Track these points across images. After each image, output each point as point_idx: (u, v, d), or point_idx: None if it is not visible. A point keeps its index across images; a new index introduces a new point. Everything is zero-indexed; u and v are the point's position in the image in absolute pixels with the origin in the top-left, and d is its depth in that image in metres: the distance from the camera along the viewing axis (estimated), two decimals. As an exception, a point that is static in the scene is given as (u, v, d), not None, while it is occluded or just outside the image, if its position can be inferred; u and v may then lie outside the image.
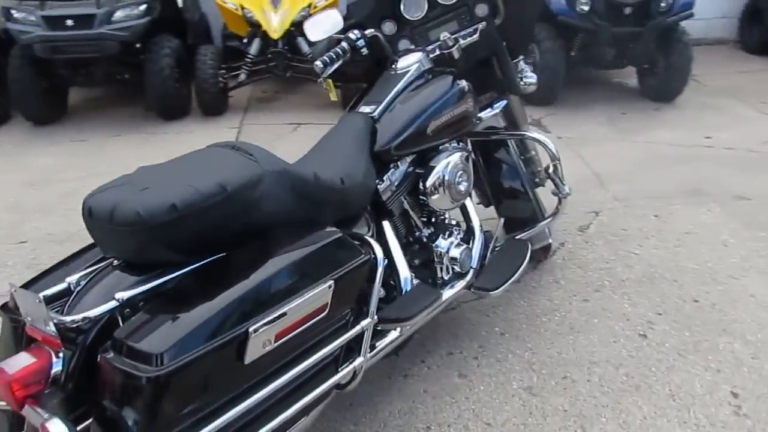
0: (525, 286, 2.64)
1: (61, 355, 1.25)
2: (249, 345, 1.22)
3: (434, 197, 2.00)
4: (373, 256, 1.55)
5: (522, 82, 2.48)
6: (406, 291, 1.84)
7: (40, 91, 4.68)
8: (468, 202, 2.21)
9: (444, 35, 2.16)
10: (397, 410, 2.02)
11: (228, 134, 4.69)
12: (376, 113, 1.99)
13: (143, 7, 4.58)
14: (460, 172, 2.05)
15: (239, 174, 1.41)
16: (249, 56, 4.96)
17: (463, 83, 2.08)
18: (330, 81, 2.21)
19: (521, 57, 2.48)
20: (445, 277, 2.10)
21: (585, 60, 5.12)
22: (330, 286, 1.38)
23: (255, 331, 1.23)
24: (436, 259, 2.08)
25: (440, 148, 2.08)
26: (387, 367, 2.19)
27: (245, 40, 5.05)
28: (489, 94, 2.42)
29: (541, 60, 4.83)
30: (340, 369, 1.51)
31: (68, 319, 1.24)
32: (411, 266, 2.03)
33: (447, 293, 2.06)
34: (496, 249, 2.27)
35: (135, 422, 1.12)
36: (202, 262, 1.36)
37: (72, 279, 1.39)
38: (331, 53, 2.08)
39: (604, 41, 4.85)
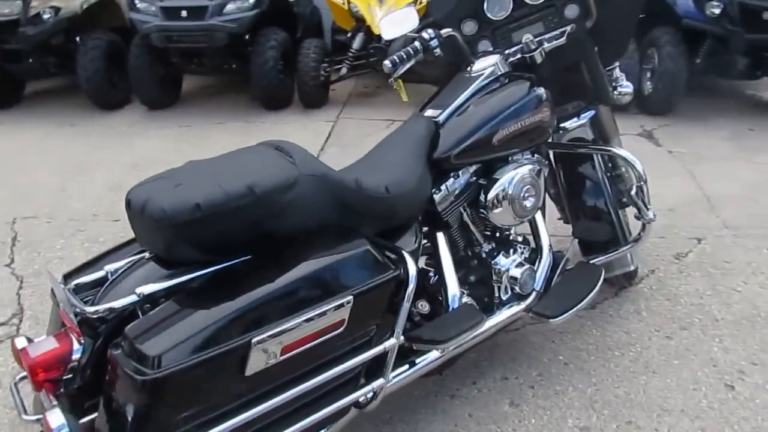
0: (601, 313, 2.41)
1: (81, 343, 1.28)
2: (251, 356, 1.18)
3: (495, 211, 1.86)
4: (402, 272, 1.45)
5: (616, 92, 2.27)
6: (452, 309, 1.72)
7: (156, 77, 4.98)
8: (539, 219, 2.05)
9: (526, 37, 2.01)
10: (434, 429, 1.91)
11: (323, 127, 4.75)
12: (440, 118, 1.89)
13: (252, 0, 4.73)
14: (528, 187, 1.89)
15: (272, 176, 1.38)
16: (352, 51, 4.98)
17: (541, 90, 1.92)
18: (401, 81, 2.13)
19: (616, 64, 2.26)
20: (504, 297, 1.96)
21: (712, 68, 4.63)
22: (348, 302, 1.31)
23: (258, 342, 1.18)
24: (494, 277, 1.95)
25: (511, 159, 1.94)
26: (435, 384, 2.08)
27: (349, 35, 5.07)
28: (576, 102, 2.23)
29: (659, 66, 4.45)
30: (358, 388, 1.43)
31: (89, 309, 1.26)
32: (466, 282, 1.93)
33: (502, 315, 1.93)
34: (567, 272, 2.08)
35: (132, 422, 1.11)
36: (225, 264, 1.33)
37: (110, 268, 1.42)
38: (401, 53, 1.99)
39: (737, 49, 4.36)
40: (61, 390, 1.27)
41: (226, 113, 5.12)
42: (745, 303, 2.46)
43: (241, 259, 1.35)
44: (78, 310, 1.25)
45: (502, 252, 1.97)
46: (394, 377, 1.64)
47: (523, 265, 1.96)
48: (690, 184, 3.58)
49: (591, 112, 2.23)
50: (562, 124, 2.23)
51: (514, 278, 1.94)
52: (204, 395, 1.17)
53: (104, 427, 1.15)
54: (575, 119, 2.24)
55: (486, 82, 1.94)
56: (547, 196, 2.34)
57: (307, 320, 1.25)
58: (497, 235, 1.99)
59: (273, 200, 1.35)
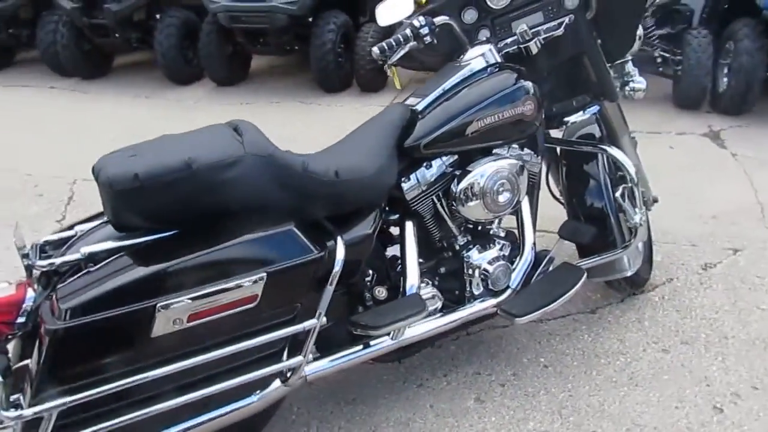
0: (599, 319, 2.31)
1: (34, 291, 1.40)
2: (156, 320, 1.25)
3: (466, 205, 1.83)
4: (327, 256, 1.47)
5: (627, 88, 2.15)
6: (400, 298, 1.73)
7: (224, 55, 5.21)
8: (525, 215, 1.99)
9: (521, 27, 1.94)
10: (393, 418, 1.92)
11: (374, 111, 4.75)
12: (418, 106, 1.88)
13: (313, -18, 4.82)
14: (502, 182, 1.84)
15: (213, 153, 1.44)
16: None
17: (526, 83, 1.86)
18: (394, 69, 2.12)
19: (628, 58, 2.14)
20: (475, 292, 1.94)
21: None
22: (261, 279, 1.35)
23: (163, 308, 1.26)
24: (466, 271, 1.92)
25: (494, 152, 1.90)
26: (407, 371, 2.10)
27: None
28: (581, 97, 2.13)
29: (734, 61, 4.11)
30: (278, 362, 1.48)
31: (38, 262, 1.38)
32: (436, 274, 1.92)
33: (470, 309, 1.90)
34: (548, 272, 2.02)
35: (43, 366, 1.23)
36: (158, 235, 1.41)
37: (80, 228, 1.55)
38: (391, 40, 1.99)
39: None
40: (14, 333, 1.41)
41: (285, 93, 5.28)
42: (765, 323, 2.27)
43: (173, 231, 1.42)
44: (27, 262, 1.38)
45: (477, 246, 1.93)
46: (339, 358, 1.68)
47: (498, 261, 1.92)
48: (745, 191, 3.30)
49: (595, 108, 2.12)
50: (565, 119, 2.15)
51: (486, 273, 1.90)
52: (111, 350, 1.27)
53: (30, 370, 1.28)
54: (580, 114, 2.14)
55: (472, 71, 1.90)
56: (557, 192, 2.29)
57: (215, 292, 1.31)
58: (475, 228, 1.96)
59: (210, 176, 1.41)
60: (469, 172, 1.83)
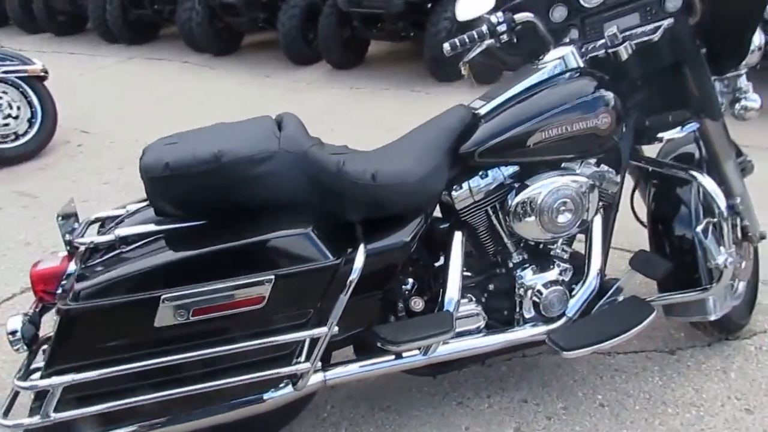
0: (677, 362, 2.06)
1: (73, 266, 1.49)
2: (159, 311, 1.28)
3: (519, 222, 1.69)
4: (340, 262, 1.42)
5: (737, 105, 1.87)
6: (431, 314, 1.63)
7: (341, 39, 5.28)
8: (596, 238, 1.81)
9: (610, 30, 1.73)
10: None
11: (483, 105, 4.61)
12: (482, 109, 1.75)
13: (433, -31, 4.71)
14: (564, 200, 1.67)
15: (245, 148, 1.43)
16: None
17: (606, 94, 1.67)
18: (468, 66, 2.00)
19: (742, 71, 1.85)
20: (526, 315, 1.79)
21: None
22: (270, 281, 1.33)
23: (168, 300, 1.27)
24: (517, 291, 1.79)
25: (563, 165, 1.73)
26: (450, 386, 2.00)
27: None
28: (680, 112, 1.87)
29: None
30: (281, 369, 1.45)
31: (76, 240, 1.46)
32: (485, 291, 1.80)
33: (517, 333, 1.77)
34: (613, 304, 1.82)
35: (55, 342, 1.29)
36: (186, 224, 1.44)
37: (131, 207, 1.62)
38: (464, 36, 1.87)
39: None
40: (53, 302, 1.50)
41: (397, 80, 5.24)
42: None
43: (201, 222, 1.44)
44: (67, 238, 1.46)
45: (533, 266, 1.78)
46: (365, 366, 1.63)
47: (554, 285, 1.76)
48: None
49: (694, 126, 1.85)
50: (660, 134, 1.90)
51: (539, 296, 1.75)
52: (117, 335, 1.31)
53: (50, 342, 1.35)
54: (676, 130, 1.88)
55: (548, 75, 1.74)
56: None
57: (220, 290, 1.31)
58: (534, 246, 1.80)
59: (239, 170, 1.42)
60: (527, 186, 1.68)
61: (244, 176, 1.42)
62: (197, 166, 1.39)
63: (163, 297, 1.29)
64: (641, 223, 2.03)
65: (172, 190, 1.42)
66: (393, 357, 1.67)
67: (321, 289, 1.43)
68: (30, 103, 4.09)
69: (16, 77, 4.02)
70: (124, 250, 1.42)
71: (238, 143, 1.45)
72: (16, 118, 4.02)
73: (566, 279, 1.80)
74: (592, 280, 1.79)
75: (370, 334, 1.56)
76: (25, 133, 4.07)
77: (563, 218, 1.69)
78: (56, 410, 1.30)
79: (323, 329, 1.44)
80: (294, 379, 1.48)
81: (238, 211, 1.46)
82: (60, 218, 1.50)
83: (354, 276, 1.43)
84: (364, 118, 4.36)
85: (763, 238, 2.05)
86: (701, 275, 1.86)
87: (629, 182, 2.04)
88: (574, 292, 1.80)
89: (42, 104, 4.12)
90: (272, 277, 1.35)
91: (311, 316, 1.45)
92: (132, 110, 4.85)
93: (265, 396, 1.48)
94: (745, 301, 2.16)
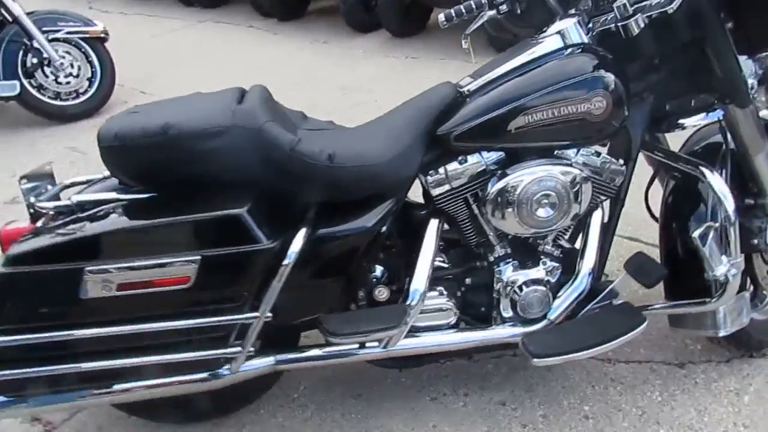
0: (686, 377, 1.85)
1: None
2: (83, 282, 1.26)
3: (496, 213, 1.54)
4: (274, 246, 1.34)
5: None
6: (382, 306, 1.54)
7: (401, 6, 5.10)
8: (592, 235, 1.64)
9: (620, 1, 1.52)
10: (389, 427, 1.77)
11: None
12: (467, 88, 1.61)
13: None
14: (546, 193, 1.51)
15: (195, 121, 1.39)
16: None
17: (605, 75, 1.48)
18: (469, 39, 1.85)
19: (777, 52, 1.58)
20: (504, 314, 1.66)
21: None
22: (195, 261, 1.28)
23: (91, 272, 1.26)
24: (495, 288, 1.65)
25: (556, 153, 1.56)
26: (428, 380, 1.90)
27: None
28: (704, 96, 1.64)
29: None
30: (212, 351, 1.41)
31: (38, 204, 1.47)
32: (462, 284, 1.68)
33: (492, 333, 1.65)
34: (604, 308, 1.64)
35: None
36: (135, 196, 1.41)
37: (98, 176, 1.62)
38: (461, 6, 1.73)
39: None
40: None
41: (456, 50, 4.98)
42: None
43: (151, 194, 1.41)
44: (28, 202, 1.48)
45: (516, 261, 1.64)
46: (317, 355, 1.57)
47: (536, 284, 1.61)
48: None
49: (718, 113, 1.62)
50: (680, 120, 1.68)
51: (517, 295, 1.61)
52: (44, 303, 1.32)
53: None
54: (700, 117, 1.65)
55: (545, 51, 1.56)
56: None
57: (144, 267, 1.28)
58: (520, 240, 1.65)
59: (186, 144, 1.37)
60: (508, 174, 1.52)
61: (193, 150, 1.38)
62: (143, 138, 1.36)
63: (86, 269, 1.27)
64: (654, 218, 1.82)
65: (121, 160, 1.41)
66: (356, 346, 1.60)
67: (254, 273, 1.37)
68: (90, 63, 4.25)
69: (79, 38, 4.17)
70: (79, 216, 1.42)
71: (191, 116, 1.40)
72: (77, 77, 4.19)
73: (552, 279, 1.64)
74: (581, 281, 1.63)
75: (316, 323, 1.49)
76: (85, 91, 4.24)
77: (543, 212, 1.53)
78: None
79: (255, 314, 1.39)
80: (230, 362, 1.44)
81: (190, 185, 1.42)
82: (24, 180, 1.51)
83: (288, 261, 1.36)
84: (412, 88, 4.21)
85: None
86: (711, 284, 1.64)
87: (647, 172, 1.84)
88: (560, 293, 1.64)
89: (101, 64, 4.27)
90: (198, 257, 1.30)
91: (246, 300, 1.39)
92: (191, 73, 4.94)
93: (207, 374, 1.45)
94: (775, 316, 1.91)
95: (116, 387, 1.42)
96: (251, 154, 1.40)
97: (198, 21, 6.57)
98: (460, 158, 1.57)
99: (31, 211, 1.49)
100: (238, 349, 1.42)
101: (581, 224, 1.68)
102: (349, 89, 4.33)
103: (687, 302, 1.64)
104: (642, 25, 1.48)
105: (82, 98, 4.23)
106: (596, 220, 1.65)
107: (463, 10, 1.71)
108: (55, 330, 1.33)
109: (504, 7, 1.66)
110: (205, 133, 1.37)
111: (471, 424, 1.76)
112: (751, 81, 1.58)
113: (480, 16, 1.74)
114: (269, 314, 1.40)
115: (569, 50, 1.54)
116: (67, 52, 4.15)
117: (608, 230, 1.68)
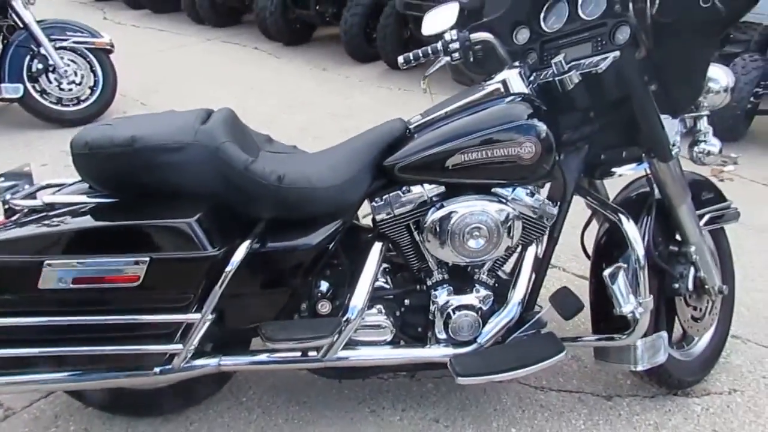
0: (611, 408, 1.97)
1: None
2: (42, 274, 1.40)
3: (431, 242, 1.68)
4: (218, 254, 1.49)
5: (696, 149, 1.77)
6: (317, 319, 1.68)
7: (399, 40, 5.30)
8: (525, 267, 1.77)
9: (557, 58, 1.68)
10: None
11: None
12: (415, 124, 1.76)
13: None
14: (477, 226, 1.65)
15: (160, 136, 1.53)
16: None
17: (535, 124, 1.62)
18: (428, 81, 2.01)
19: (704, 113, 1.74)
20: (438, 336, 1.78)
21: None
22: (144, 263, 1.42)
23: (50, 265, 1.40)
24: (430, 310, 1.78)
25: (493, 190, 1.70)
26: (370, 394, 2.02)
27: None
28: (635, 148, 1.79)
29: None
30: (154, 347, 1.54)
31: (12, 201, 1.61)
32: (401, 304, 1.81)
33: (424, 352, 1.77)
34: (528, 336, 1.77)
35: None
36: (99, 200, 1.56)
37: (72, 180, 1.76)
38: (418, 51, 1.89)
39: None
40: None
41: (451, 86, 5.19)
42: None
43: (113, 199, 1.55)
44: (2, 199, 1.62)
45: (450, 287, 1.77)
46: (256, 358, 1.70)
47: (466, 309, 1.74)
48: None
49: (642, 165, 1.77)
50: (613, 169, 1.83)
51: (449, 319, 1.74)
52: (10, 290, 1.46)
53: None
54: (632, 166, 1.80)
55: (486, 97, 1.72)
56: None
57: (98, 264, 1.42)
58: (456, 268, 1.79)
59: (150, 157, 1.51)
60: (442, 206, 1.66)
61: (155, 162, 1.52)
62: (111, 148, 1.50)
63: (45, 262, 1.41)
64: (587, 256, 1.95)
65: (90, 167, 1.55)
66: (297, 354, 1.73)
67: (198, 278, 1.50)
68: (94, 73, 4.43)
69: (85, 48, 4.37)
70: (47, 215, 1.56)
71: (157, 132, 1.54)
72: (79, 84, 4.37)
73: (484, 306, 1.77)
74: (511, 310, 1.75)
75: (260, 330, 1.62)
76: (86, 99, 4.42)
77: (474, 243, 1.66)
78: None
79: (196, 315, 1.52)
80: (170, 359, 1.57)
81: (150, 193, 1.56)
82: (2, 178, 1.66)
83: (230, 268, 1.49)
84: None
85: (721, 292, 1.92)
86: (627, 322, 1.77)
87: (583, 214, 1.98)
88: (491, 320, 1.77)
89: (104, 74, 4.45)
90: (147, 259, 1.44)
91: (191, 302, 1.53)
92: (191, 89, 5.13)
93: (154, 369, 1.57)
94: (702, 358, 2.03)
95: (67, 375, 1.54)
96: (208, 169, 1.54)
97: (206, 39, 6.81)
98: (403, 188, 1.71)
99: (6, 207, 1.63)
100: (180, 346, 1.55)
101: (519, 257, 1.81)
102: (339, 116, 4.51)
103: (601, 337, 1.76)
104: (576, 81, 1.64)
105: (83, 105, 4.41)
106: (530, 254, 1.79)
107: (420, 55, 1.86)
108: (14, 316, 1.46)
109: (456, 56, 1.82)
110: (166, 147, 1.51)
111: (402, 438, 1.87)
112: (675, 138, 1.73)
113: (438, 61, 1.90)
114: (211, 316, 1.53)
115: (510, 98, 1.69)
116: (72, 61, 4.34)
117: (542, 265, 1.82)
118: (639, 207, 1.83)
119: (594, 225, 1.99)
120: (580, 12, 1.70)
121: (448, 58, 1.87)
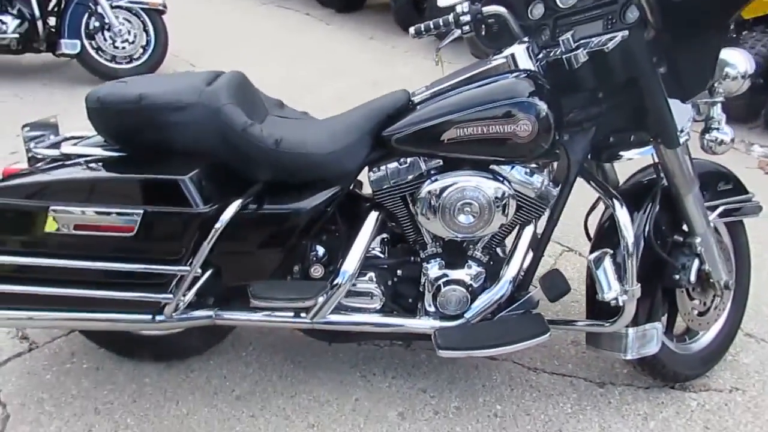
0: (602, 395, 1.95)
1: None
2: (48, 218, 1.51)
3: (423, 214, 1.69)
4: (208, 211, 1.56)
5: (707, 136, 1.70)
6: (305, 281, 1.73)
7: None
8: (521, 246, 1.77)
9: (566, 35, 1.64)
10: (315, 394, 1.94)
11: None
12: (417, 97, 1.76)
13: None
14: (468, 202, 1.65)
15: (166, 95, 1.60)
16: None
17: (535, 102, 1.58)
18: (441, 54, 1.99)
19: (718, 99, 1.67)
20: (428, 308, 1.80)
21: None
22: (138, 214, 1.52)
23: (54, 211, 1.51)
24: (421, 283, 1.80)
25: (491, 167, 1.70)
26: (364, 359, 2.07)
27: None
28: (643, 132, 1.73)
29: None
30: (146, 294, 1.63)
31: (34, 150, 1.72)
32: (394, 274, 1.84)
33: (412, 323, 1.80)
34: (517, 314, 1.77)
35: None
36: (110, 153, 1.65)
37: (92, 133, 1.86)
38: (429, 22, 1.87)
39: None
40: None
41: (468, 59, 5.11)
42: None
43: (123, 153, 1.64)
44: (27, 147, 1.73)
45: (442, 261, 1.78)
46: (249, 314, 1.76)
47: (455, 284, 1.75)
48: None
49: (647, 150, 1.71)
50: (620, 152, 1.78)
51: (437, 292, 1.76)
52: (18, 230, 1.58)
53: None
54: (635, 151, 1.75)
55: (491, 72, 1.70)
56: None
57: (97, 212, 1.53)
58: (450, 242, 1.79)
59: (155, 114, 1.59)
60: (435, 180, 1.67)
61: (159, 120, 1.59)
62: (120, 104, 1.59)
63: (50, 207, 1.52)
64: (589, 239, 1.92)
65: (101, 121, 1.64)
66: (290, 314, 1.78)
67: (189, 233, 1.57)
68: (147, 32, 4.59)
69: (139, 8, 4.52)
70: (64, 163, 1.67)
71: (164, 90, 1.61)
72: (132, 43, 4.54)
73: (474, 282, 1.77)
74: (502, 287, 1.76)
75: (247, 287, 1.68)
76: (138, 57, 4.59)
77: (464, 219, 1.66)
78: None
79: (183, 267, 1.60)
80: (163, 307, 1.67)
81: (154, 149, 1.64)
82: (27, 128, 1.77)
83: (218, 226, 1.56)
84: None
85: (728, 288, 1.86)
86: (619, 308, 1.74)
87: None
88: (480, 296, 1.77)
89: (156, 34, 4.60)
90: (141, 211, 1.53)
91: (183, 256, 1.60)
92: (240, 52, 5.23)
93: (149, 316, 1.67)
94: (703, 353, 1.98)
95: (69, 314, 1.66)
96: (209, 129, 1.60)
97: (261, 3, 6.89)
98: (401, 159, 1.72)
99: (29, 155, 1.74)
100: (171, 296, 1.63)
101: (516, 236, 1.80)
102: (380, 85, 4.50)
103: (589, 322, 1.75)
104: (583, 60, 1.59)
105: (135, 63, 4.58)
106: (527, 233, 1.77)
107: (432, 26, 1.85)
108: (23, 256, 1.58)
109: (467, 28, 1.80)
110: (171, 106, 1.58)
111: (388, 403, 1.92)
112: (685, 124, 1.66)
113: (450, 34, 1.88)
114: (199, 270, 1.61)
115: (515, 74, 1.67)
116: (127, 20, 4.50)
117: (539, 245, 1.80)
118: (645, 194, 1.79)
119: (601, 208, 1.95)
120: None
121: (458, 31, 1.85)
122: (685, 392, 1.96)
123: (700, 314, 1.91)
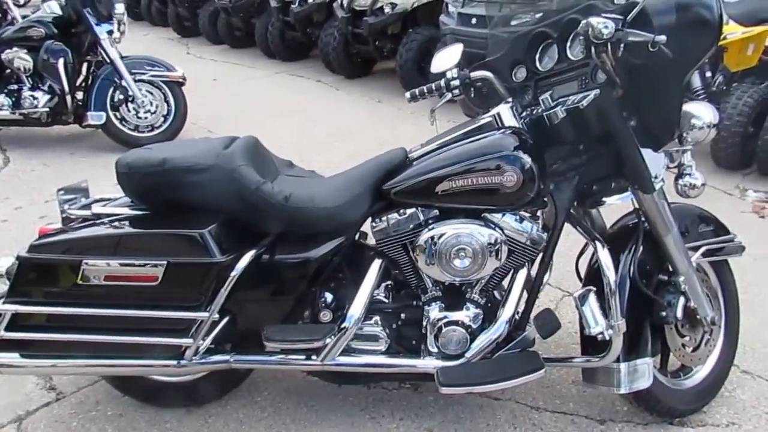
0: (602, 432, 2.02)
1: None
2: (81, 271, 1.68)
3: (422, 260, 1.84)
4: (225, 261, 1.72)
5: (681, 182, 1.84)
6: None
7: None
8: (515, 289, 1.90)
9: (545, 95, 1.83)
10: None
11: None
12: (414, 153, 1.94)
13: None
14: (462, 247, 1.80)
15: (187, 158, 1.79)
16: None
17: (519, 156, 1.76)
18: (435, 114, 2.19)
19: (688, 147, 1.82)
20: (431, 349, 1.92)
21: None
22: (162, 265, 1.68)
23: (87, 264, 1.67)
24: (423, 325, 1.93)
25: (483, 215, 1.85)
26: (373, 401, 2.17)
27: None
28: (623, 181, 1.89)
29: None
30: (172, 338, 1.77)
31: (68, 210, 1.91)
32: (398, 318, 1.97)
33: (417, 362, 1.92)
34: (514, 352, 1.88)
35: (11, 281, 1.76)
36: (135, 212, 1.83)
37: (120, 195, 2.05)
38: (423, 87, 2.08)
39: None
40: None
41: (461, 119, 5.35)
42: None
43: (142, 212, 1.83)
44: (60, 208, 1.93)
45: (442, 304, 1.91)
46: (262, 357, 1.89)
47: (455, 325, 1.87)
48: None
49: (627, 195, 1.86)
50: (603, 198, 1.93)
51: (438, 334, 1.88)
52: (52, 283, 1.74)
53: None
54: (620, 196, 1.90)
55: (478, 129, 1.88)
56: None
57: (125, 264, 1.69)
58: (449, 286, 1.93)
59: (177, 176, 1.78)
60: (432, 228, 1.82)
61: (181, 181, 1.78)
62: (146, 168, 1.78)
63: (83, 261, 1.69)
64: (581, 280, 2.04)
65: (129, 184, 1.84)
66: (302, 357, 1.91)
67: (209, 281, 1.74)
68: (167, 103, 4.89)
69: (161, 81, 4.84)
70: (94, 222, 1.85)
71: (185, 155, 1.81)
72: (154, 113, 4.84)
73: (473, 323, 1.89)
74: (498, 327, 1.87)
75: (261, 331, 1.82)
76: (159, 126, 4.88)
77: (459, 264, 1.81)
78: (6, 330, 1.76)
79: (203, 313, 1.75)
80: (183, 352, 1.80)
81: (177, 207, 1.82)
82: (62, 192, 1.97)
83: (234, 274, 1.72)
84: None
85: (714, 324, 1.96)
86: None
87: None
88: (479, 336, 1.89)
89: (176, 104, 4.90)
90: (165, 262, 1.69)
91: (203, 302, 1.76)
92: (256, 118, 5.52)
93: (169, 361, 1.81)
94: (698, 388, 2.06)
95: (100, 361, 1.82)
96: (226, 188, 1.78)
97: (275, 72, 7.27)
98: (400, 211, 1.89)
99: (63, 216, 1.93)
100: (191, 341, 1.78)
101: (511, 279, 1.93)
102: (387, 145, 4.63)
103: (580, 358, 1.85)
104: (561, 116, 1.78)
105: (156, 132, 4.86)
106: (521, 276, 1.91)
107: (425, 90, 2.06)
108: (57, 306, 1.74)
109: (457, 92, 2.00)
110: (191, 168, 1.77)
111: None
112: (659, 171, 1.82)
113: (443, 97, 2.08)
114: (217, 315, 1.76)
115: (501, 131, 1.85)
116: (149, 92, 4.82)
117: (533, 287, 1.93)
118: (629, 236, 1.92)
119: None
120: (568, 53, 1.84)
121: (450, 94, 2.05)
122: (682, 427, 2.03)
123: (692, 350, 2.01)
